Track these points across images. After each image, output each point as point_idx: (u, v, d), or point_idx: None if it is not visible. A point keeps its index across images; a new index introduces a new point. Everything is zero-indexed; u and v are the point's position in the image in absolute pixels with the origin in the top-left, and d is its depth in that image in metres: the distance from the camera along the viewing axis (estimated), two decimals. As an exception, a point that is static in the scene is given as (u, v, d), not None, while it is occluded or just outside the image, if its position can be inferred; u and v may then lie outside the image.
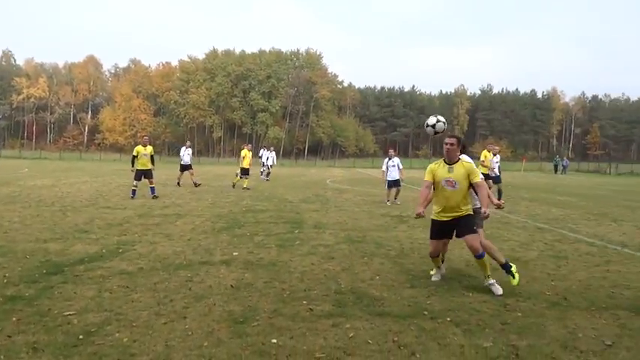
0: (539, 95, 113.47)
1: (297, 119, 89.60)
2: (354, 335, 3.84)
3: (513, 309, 4.57)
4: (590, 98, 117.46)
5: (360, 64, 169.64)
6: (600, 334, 3.95)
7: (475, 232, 5.17)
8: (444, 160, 5.25)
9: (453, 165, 5.16)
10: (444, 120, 5.34)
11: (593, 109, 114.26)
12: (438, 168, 5.26)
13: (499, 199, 14.22)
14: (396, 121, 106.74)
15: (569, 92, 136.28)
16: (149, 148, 14.30)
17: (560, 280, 5.67)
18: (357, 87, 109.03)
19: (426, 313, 4.40)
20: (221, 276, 5.54)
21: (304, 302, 4.64)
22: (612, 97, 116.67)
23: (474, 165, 5.28)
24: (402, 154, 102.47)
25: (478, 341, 3.76)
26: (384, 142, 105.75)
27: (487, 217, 5.01)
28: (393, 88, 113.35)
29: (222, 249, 7.05)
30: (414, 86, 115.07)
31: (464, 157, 5.38)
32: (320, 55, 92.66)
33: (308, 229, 8.98)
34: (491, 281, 5.09)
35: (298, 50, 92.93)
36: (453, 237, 5.38)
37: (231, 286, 5.15)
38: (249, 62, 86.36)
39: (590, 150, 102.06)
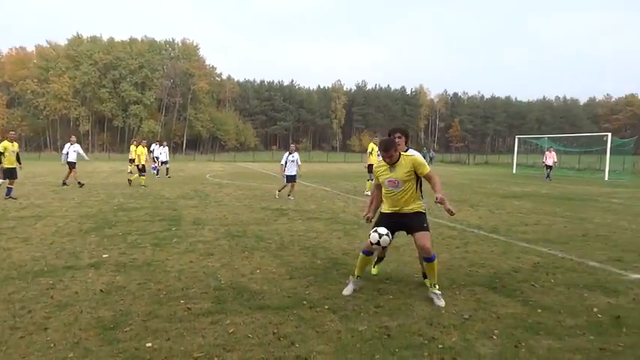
0: (409, 92, 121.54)
1: (174, 112, 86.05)
2: (234, 331, 3.81)
3: (386, 292, 4.86)
4: (451, 95, 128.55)
5: (239, 57, 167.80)
6: (460, 310, 4.36)
7: (427, 230, 4.75)
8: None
9: (395, 164, 4.66)
10: (386, 231, 4.63)
11: (454, 105, 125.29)
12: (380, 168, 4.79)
13: None
14: (277, 115, 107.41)
15: (434, 90, 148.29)
16: (16, 145, 13.13)
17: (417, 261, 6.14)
18: (236, 80, 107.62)
19: (305, 302, 4.50)
20: (89, 281, 5.14)
21: (182, 302, 4.48)
22: (470, 94, 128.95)
23: (419, 157, 4.82)
24: (283, 147, 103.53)
25: (354, 325, 3.94)
26: (265, 136, 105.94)
27: (441, 202, 4.54)
28: (273, 82, 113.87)
29: (91, 251, 6.54)
30: (293, 81, 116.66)
31: (411, 151, 4.99)
32: (197, 46, 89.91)
33: (186, 226, 8.69)
34: (437, 291, 4.58)
35: (174, 40, 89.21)
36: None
37: (101, 290, 4.80)
38: (118, 50, 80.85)
39: (452, 142, 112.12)
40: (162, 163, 23.56)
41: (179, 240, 7.41)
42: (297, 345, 3.55)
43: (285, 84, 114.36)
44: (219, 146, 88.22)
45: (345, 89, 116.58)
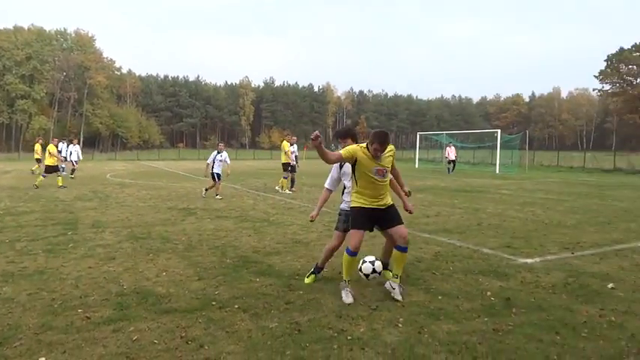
0: (316, 89, 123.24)
1: (69, 107, 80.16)
2: (139, 338, 3.62)
3: (296, 288, 4.89)
4: (357, 93, 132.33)
5: (140, 51, 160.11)
6: (368, 301, 4.50)
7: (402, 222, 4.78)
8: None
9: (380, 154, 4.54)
10: (373, 258, 4.72)
11: (360, 102, 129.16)
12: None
13: (291, 187, 15.14)
14: (182, 112, 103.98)
15: (341, 87, 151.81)
16: None
17: (336, 256, 6.25)
18: (138, 74, 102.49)
19: (214, 303, 4.40)
20: (-31, 294, 4.63)
21: (80, 311, 4.18)
22: (374, 92, 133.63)
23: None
24: (190, 145, 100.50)
25: (265, 323, 3.92)
26: (171, 133, 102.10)
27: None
28: (178, 77, 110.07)
29: (-29, 262, 5.90)
30: (199, 76, 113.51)
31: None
32: (93, 37, 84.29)
33: (84, 230, 8.13)
34: (397, 284, 4.58)
35: (66, 30, 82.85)
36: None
37: (-16, 304, 4.34)
38: (1, 40, 73.51)
39: (360, 139, 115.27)
40: (74, 162, 22.18)
41: (76, 245, 6.92)
42: (206, 347, 3.46)
43: (190, 79, 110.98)
44: (121, 144, 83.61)
45: (253, 86, 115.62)
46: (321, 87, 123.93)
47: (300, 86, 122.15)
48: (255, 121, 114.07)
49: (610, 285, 5.03)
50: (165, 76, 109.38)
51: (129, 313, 4.15)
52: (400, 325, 3.88)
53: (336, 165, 5.14)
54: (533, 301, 4.49)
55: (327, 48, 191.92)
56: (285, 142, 15.80)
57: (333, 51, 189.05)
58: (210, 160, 13.48)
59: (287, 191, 14.81)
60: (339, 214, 5.19)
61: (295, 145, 15.96)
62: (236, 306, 4.33)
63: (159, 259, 6.09)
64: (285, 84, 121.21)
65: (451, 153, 26.82)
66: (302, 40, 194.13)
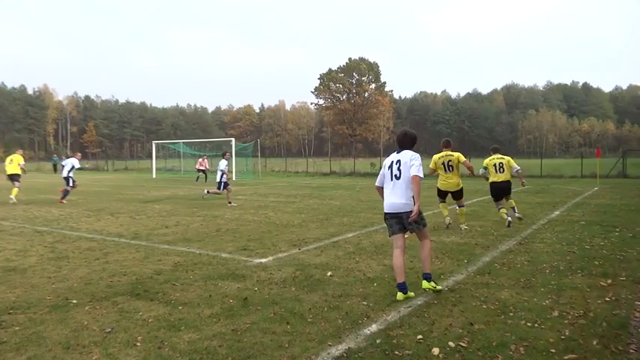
0: (31, 91, 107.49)
1: None
2: None
3: (10, 325, 4.14)
4: (83, 98, 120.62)
5: None
6: (101, 324, 4.13)
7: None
8: None
9: None
10: None
11: (87, 108, 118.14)
12: None
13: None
14: None
15: (63, 91, 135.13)
16: None
17: (60, 281, 5.58)
18: None
19: None
20: None
21: None
22: (104, 98, 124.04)
23: None
24: None
25: (-34, 374, 3.22)
26: None
27: None
28: None
29: None
30: None
31: None
32: None
33: None
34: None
35: None
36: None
37: None
38: None
39: (89, 148, 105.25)
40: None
41: None
42: None
43: None
44: None
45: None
46: (37, 89, 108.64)
47: (10, 87, 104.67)
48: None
49: (329, 273, 5.81)
50: None
51: None
52: (139, 344, 3.69)
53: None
54: (268, 297, 4.86)
55: (39, 45, 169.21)
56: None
57: (47, 50, 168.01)
58: None
59: None
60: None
61: None
62: None
63: None
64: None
65: (202, 165, 27.52)
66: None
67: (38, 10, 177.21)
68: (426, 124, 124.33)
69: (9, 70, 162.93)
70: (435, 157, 9.19)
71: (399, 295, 4.74)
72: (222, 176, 13.98)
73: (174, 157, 42.74)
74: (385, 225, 5.24)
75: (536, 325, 4.01)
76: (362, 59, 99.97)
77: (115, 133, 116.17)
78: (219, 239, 8.30)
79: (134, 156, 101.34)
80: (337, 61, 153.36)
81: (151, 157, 39.24)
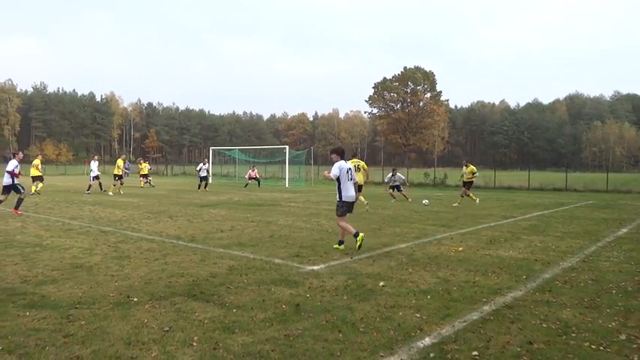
0: (99, 98, 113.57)
1: None
2: None
3: (77, 319, 4.38)
4: (146, 105, 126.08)
5: None
6: (160, 323, 4.29)
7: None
8: None
9: None
10: None
11: (150, 115, 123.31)
12: None
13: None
14: None
15: (127, 98, 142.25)
16: None
17: (123, 279, 5.84)
18: None
19: (-33, 349, 3.67)
20: None
21: None
22: (165, 105, 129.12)
23: None
24: None
25: (37, 363, 3.42)
26: None
27: None
28: None
29: None
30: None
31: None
32: None
33: None
34: None
35: None
36: None
37: None
38: None
39: (150, 153, 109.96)
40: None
41: None
42: (-44, 403, 2.86)
43: None
44: None
45: (19, 90, 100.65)
46: (104, 96, 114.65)
47: (80, 94, 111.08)
48: (22, 132, 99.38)
49: (381, 283, 5.76)
50: None
51: None
52: (195, 344, 3.79)
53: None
54: (320, 305, 4.87)
55: (108, 56, 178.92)
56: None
57: (115, 60, 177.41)
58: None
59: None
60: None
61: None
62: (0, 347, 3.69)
63: None
64: (61, 91, 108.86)
65: (253, 174, 28.27)
66: (72, 44, 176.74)
67: (107, 27, 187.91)
68: (483, 134, 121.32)
69: (80, 78, 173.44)
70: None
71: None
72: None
73: (230, 163, 43.81)
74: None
75: (601, 348, 3.80)
76: (417, 68, 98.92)
77: (175, 139, 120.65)
78: (272, 245, 8.42)
79: (192, 161, 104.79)
80: (391, 70, 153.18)
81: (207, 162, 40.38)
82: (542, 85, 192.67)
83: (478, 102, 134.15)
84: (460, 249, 8.12)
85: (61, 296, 5.11)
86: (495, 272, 6.43)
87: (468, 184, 17.40)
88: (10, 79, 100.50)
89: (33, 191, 19.06)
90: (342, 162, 7.99)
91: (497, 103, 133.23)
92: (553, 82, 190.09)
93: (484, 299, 5.14)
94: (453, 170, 51.90)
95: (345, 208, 8.03)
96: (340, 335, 4.02)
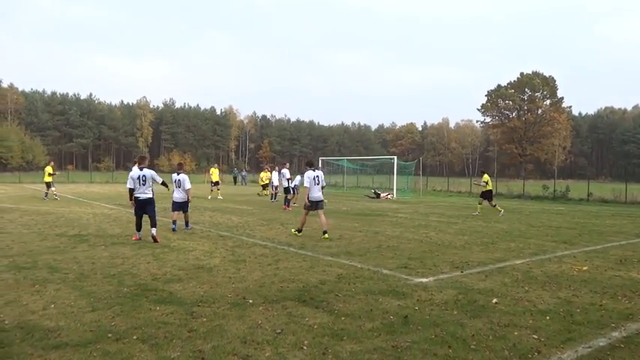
0: (218, 112, 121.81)
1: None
2: (23, 377, 3.32)
3: (199, 315, 4.76)
4: (260, 117, 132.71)
5: (22, 65, 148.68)
6: (273, 325, 4.51)
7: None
8: None
9: None
10: None
11: (263, 127, 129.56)
12: None
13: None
14: (73, 131, 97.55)
15: (243, 111, 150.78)
16: None
17: (239, 282, 6.22)
18: (21, 90, 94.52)
19: (110, 335, 4.15)
20: None
21: (-50, 351, 3.74)
22: (277, 117, 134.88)
23: None
24: (81, 167, 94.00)
25: (166, 353, 3.77)
26: (60, 155, 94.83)
27: None
28: (67, 94, 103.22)
29: None
30: (91, 94, 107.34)
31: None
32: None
33: (-45, 260, 7.27)
34: None
35: None
36: None
37: None
38: None
39: (263, 163, 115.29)
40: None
41: (-55, 277, 6.17)
42: (102, 383, 3.26)
43: (82, 97, 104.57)
44: (0, 165, 75.92)
45: (151, 106, 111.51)
46: (223, 110, 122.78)
47: (202, 109, 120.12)
48: (153, 144, 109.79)
49: (494, 300, 5.50)
50: (53, 93, 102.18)
51: (12, 350, 3.78)
52: (305, 348, 3.93)
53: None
54: (428, 318, 4.78)
55: (227, 72, 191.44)
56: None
57: (233, 75, 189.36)
58: (131, 185, 9.95)
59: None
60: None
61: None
62: (134, 337, 4.12)
63: (46, 291, 5.62)
64: (186, 106, 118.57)
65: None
66: (197, 62, 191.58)
67: (226, 45, 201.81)
68: (612, 143, 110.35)
69: (203, 94, 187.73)
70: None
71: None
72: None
73: (338, 172, 44.51)
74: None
75: None
76: (535, 73, 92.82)
77: (286, 149, 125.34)
78: (380, 255, 8.42)
79: (302, 171, 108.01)
80: (506, 77, 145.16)
81: (316, 172, 41.30)
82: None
83: (606, 108, 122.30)
84: (585, 268, 7.48)
85: (186, 294, 5.57)
86: (627, 296, 5.84)
87: (487, 194, 17.64)
88: (144, 97, 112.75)
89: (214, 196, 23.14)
90: (310, 171, 10.47)
91: (629, 108, 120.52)
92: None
93: (613, 324, 4.69)
94: (576, 183, 47.89)
95: (310, 205, 10.47)
96: (450, 351, 3.91)
